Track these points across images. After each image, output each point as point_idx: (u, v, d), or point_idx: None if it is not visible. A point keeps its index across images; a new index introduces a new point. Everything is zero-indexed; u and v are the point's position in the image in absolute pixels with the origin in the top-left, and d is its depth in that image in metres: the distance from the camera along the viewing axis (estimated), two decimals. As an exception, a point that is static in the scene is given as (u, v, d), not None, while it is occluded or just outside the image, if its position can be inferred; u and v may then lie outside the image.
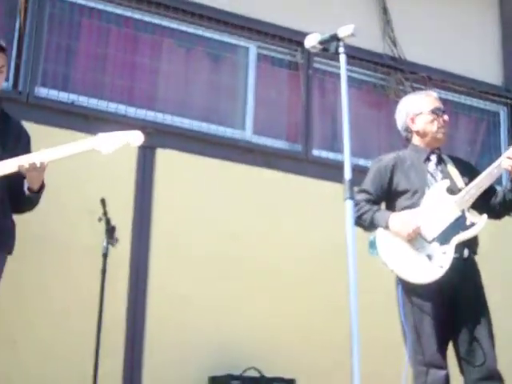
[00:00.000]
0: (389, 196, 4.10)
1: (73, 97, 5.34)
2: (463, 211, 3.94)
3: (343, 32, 3.64)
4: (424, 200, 3.98)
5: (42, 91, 5.25)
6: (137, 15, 5.70)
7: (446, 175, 4.07)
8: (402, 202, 4.04)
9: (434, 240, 3.93)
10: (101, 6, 5.58)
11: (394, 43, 6.40)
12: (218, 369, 5.04)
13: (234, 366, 5.04)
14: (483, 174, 3.92)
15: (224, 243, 5.41)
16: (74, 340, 4.73)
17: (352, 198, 3.50)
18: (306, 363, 5.24)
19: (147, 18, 5.74)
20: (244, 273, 5.38)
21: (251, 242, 5.48)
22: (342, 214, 3.46)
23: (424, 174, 4.07)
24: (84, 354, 4.55)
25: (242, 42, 6.05)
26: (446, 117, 4.14)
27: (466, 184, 3.97)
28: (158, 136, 5.15)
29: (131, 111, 5.46)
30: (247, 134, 5.91)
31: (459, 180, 4.05)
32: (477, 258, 3.98)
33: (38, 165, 3.58)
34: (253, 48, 6.07)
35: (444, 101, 4.28)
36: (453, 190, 3.98)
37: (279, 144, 6.03)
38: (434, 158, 4.12)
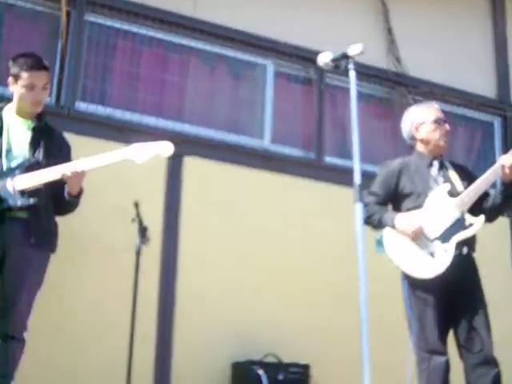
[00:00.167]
0: (395, 198, 4.09)
1: (109, 110, 5.35)
2: (462, 213, 3.93)
3: (352, 50, 3.67)
4: (427, 202, 3.97)
5: (82, 105, 5.25)
6: (166, 37, 5.69)
7: (447, 179, 4.06)
8: (407, 203, 4.03)
9: (436, 239, 3.92)
10: (134, 29, 5.58)
11: (398, 60, 6.37)
12: (239, 355, 5.04)
13: (254, 353, 5.04)
14: (480, 179, 3.92)
15: (245, 241, 5.40)
16: (110, 328, 4.73)
17: (361, 200, 3.51)
18: (319, 350, 5.22)
19: (175, 40, 5.73)
20: (264, 268, 5.36)
21: (270, 241, 5.46)
22: (351, 216, 3.48)
23: (427, 178, 4.06)
24: (119, 341, 4.53)
25: (260, 60, 6.02)
26: (447, 126, 4.14)
27: (465, 188, 3.96)
28: (186, 145, 5.13)
29: (161, 123, 5.45)
30: (265, 142, 5.88)
31: (459, 184, 4.04)
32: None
33: (79, 172, 3.60)
34: (270, 65, 6.05)
35: (443, 112, 4.23)
36: (453, 193, 3.97)
37: (294, 152, 6.00)
38: (436, 163, 4.11)
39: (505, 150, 6.45)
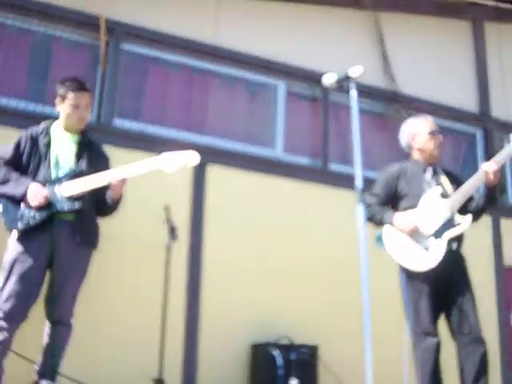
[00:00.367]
0: (394, 199, 4.07)
1: (142, 126, 5.36)
2: (452, 213, 3.94)
3: (353, 72, 3.70)
4: (421, 202, 3.97)
5: (119, 122, 5.26)
6: (190, 62, 5.69)
7: (439, 184, 4.05)
8: (404, 203, 4.03)
9: (430, 235, 3.91)
10: (163, 56, 5.60)
11: (393, 79, 6.36)
12: (258, 338, 5.04)
13: (271, 336, 5.02)
14: (467, 184, 3.94)
15: (260, 238, 5.39)
16: (144, 314, 4.73)
17: (363, 202, 3.53)
18: (326, 333, 5.20)
19: (198, 64, 5.72)
20: (279, 264, 5.35)
21: (282, 237, 5.44)
22: (354, 215, 3.50)
23: (422, 182, 4.05)
24: (152, 323, 4.56)
25: (272, 81, 6.02)
26: (440, 137, 4.16)
27: (454, 191, 3.98)
28: (208, 155, 5.12)
29: (187, 136, 5.45)
30: (278, 152, 5.87)
31: (449, 188, 4.04)
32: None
33: (122, 180, 3.64)
34: (281, 85, 6.04)
35: (435, 125, 4.24)
36: (445, 196, 3.97)
37: (303, 160, 5.98)
38: (430, 169, 4.10)
39: (486, 158, 6.47)
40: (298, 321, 5.19)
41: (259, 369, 4.90)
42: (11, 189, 3.64)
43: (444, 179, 4.08)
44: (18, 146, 3.77)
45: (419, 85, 6.47)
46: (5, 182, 3.66)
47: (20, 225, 3.58)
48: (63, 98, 3.86)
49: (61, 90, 3.88)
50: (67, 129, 3.87)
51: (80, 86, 3.89)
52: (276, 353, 4.80)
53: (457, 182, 4.08)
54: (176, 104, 5.61)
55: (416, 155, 4.15)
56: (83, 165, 3.76)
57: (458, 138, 6.87)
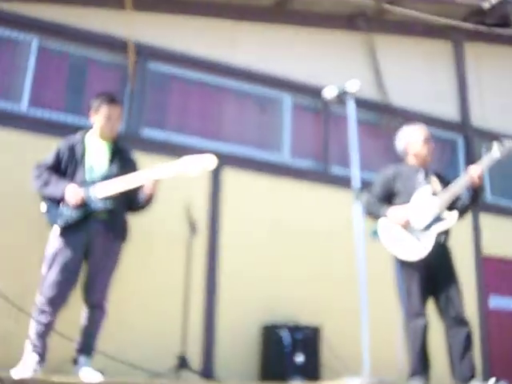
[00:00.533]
0: (390, 196, 4.06)
1: (166, 135, 5.34)
2: (441, 210, 3.94)
3: (350, 86, 3.72)
4: (413, 198, 3.97)
5: (146, 131, 5.26)
6: (208, 78, 5.68)
7: (430, 183, 4.04)
8: (398, 200, 4.02)
9: (421, 229, 3.90)
10: (185, 73, 5.59)
11: (385, 94, 6.33)
12: (267, 320, 5.01)
13: (279, 319, 5.00)
14: (455, 184, 3.93)
15: (270, 232, 5.36)
16: (169, 299, 4.69)
17: (359, 200, 3.57)
18: (327, 315, 5.16)
19: (215, 80, 5.71)
20: (286, 256, 5.32)
21: (289, 231, 5.41)
22: (351, 211, 3.54)
23: (415, 182, 4.04)
24: (175, 307, 4.56)
25: (279, 95, 6.00)
26: (432, 143, 4.15)
27: (443, 190, 3.97)
28: (224, 159, 5.07)
29: (205, 143, 5.42)
30: (285, 157, 5.84)
31: (439, 188, 4.03)
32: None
33: (155, 182, 3.64)
34: (287, 98, 6.02)
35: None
36: (434, 194, 3.97)
37: (307, 163, 5.93)
38: (422, 171, 4.08)
39: (467, 162, 6.48)
40: (302, 305, 5.15)
41: (269, 347, 4.87)
42: (52, 190, 3.65)
43: (434, 180, 4.07)
44: (57, 153, 3.78)
45: (408, 98, 6.43)
46: (47, 184, 3.68)
47: (60, 222, 3.60)
48: (97, 110, 3.87)
49: (95, 104, 3.91)
50: (101, 137, 3.87)
51: (111, 99, 3.91)
52: (283, 333, 4.79)
53: (445, 182, 4.06)
54: (195, 115, 5.60)
55: (411, 159, 4.13)
56: (115, 169, 3.76)
57: (441, 144, 6.81)
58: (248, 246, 5.21)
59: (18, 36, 5.00)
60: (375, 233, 4.00)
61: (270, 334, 4.89)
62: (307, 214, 5.52)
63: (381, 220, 3.98)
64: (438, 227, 3.88)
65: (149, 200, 3.78)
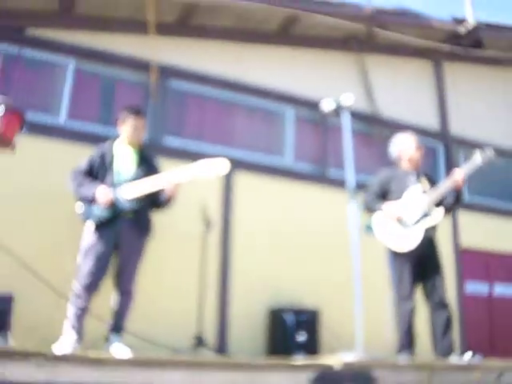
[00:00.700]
0: (385, 194, 4.06)
1: (184, 143, 5.33)
2: (429, 207, 3.93)
3: (345, 100, 3.75)
4: (404, 195, 3.97)
5: (167, 139, 5.26)
6: (221, 94, 5.67)
7: (420, 183, 4.04)
8: (392, 198, 4.01)
9: (411, 223, 3.90)
10: (200, 89, 5.58)
11: (375, 106, 6.31)
12: (273, 305, 5.01)
13: (283, 303, 5.00)
14: (441, 185, 3.93)
15: (275, 226, 5.33)
16: (187, 286, 4.68)
17: (355, 199, 3.56)
18: (325, 301, 5.12)
19: (227, 95, 5.70)
20: (289, 249, 5.30)
21: (292, 226, 5.39)
22: (347, 209, 3.52)
23: (407, 182, 4.04)
24: (193, 294, 4.56)
25: (283, 108, 5.98)
26: (423, 149, 4.16)
27: (431, 190, 3.98)
28: (236, 164, 5.05)
29: (219, 149, 5.40)
30: (288, 161, 5.82)
31: (427, 187, 4.02)
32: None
33: (177, 185, 3.63)
34: (290, 111, 6.00)
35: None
36: (424, 193, 3.96)
37: (308, 167, 5.90)
38: (414, 173, 4.09)
39: (447, 167, 6.45)
40: (304, 292, 5.13)
41: (275, 328, 4.86)
42: (85, 191, 3.66)
43: (424, 180, 4.07)
44: (90, 159, 3.80)
45: (395, 110, 6.40)
46: (81, 185, 3.69)
47: (93, 219, 3.60)
48: (124, 121, 3.88)
49: (122, 115, 3.92)
50: (128, 145, 3.87)
51: (137, 112, 3.92)
52: (287, 316, 4.78)
53: (433, 183, 4.08)
54: (210, 126, 5.59)
55: (404, 164, 4.12)
56: (140, 172, 3.76)
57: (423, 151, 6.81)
58: (257, 240, 5.20)
59: (58, 59, 5.02)
60: (368, 228, 4.00)
61: (275, 316, 4.88)
62: (308, 211, 5.50)
63: (376, 215, 3.98)
64: (427, 222, 3.87)
65: (170, 201, 3.77)
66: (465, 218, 6.32)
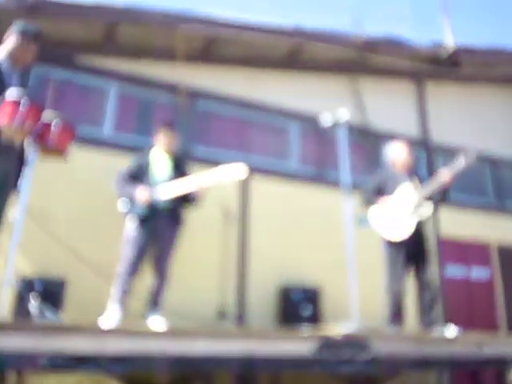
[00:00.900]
0: (381, 191, 4.02)
1: (209, 151, 5.33)
2: (420, 202, 3.88)
3: (341, 115, 3.70)
4: (397, 191, 3.94)
5: (195, 148, 5.26)
6: (238, 112, 5.65)
7: (412, 182, 4.00)
8: (387, 194, 3.98)
9: (404, 216, 3.85)
10: (222, 108, 5.57)
11: (366, 120, 6.26)
12: (283, 284, 4.98)
13: (291, 282, 4.98)
14: (430, 184, 3.86)
15: (284, 219, 5.30)
16: (211, 267, 4.71)
17: (348, 196, 3.55)
18: (325, 280, 5.09)
19: (244, 113, 5.68)
20: (298, 236, 5.27)
21: (297, 219, 5.36)
22: (342, 206, 3.40)
23: (400, 182, 4.00)
24: (217, 274, 4.54)
25: (290, 123, 5.94)
26: (413, 155, 4.13)
27: (421, 188, 3.94)
28: (251, 168, 5.01)
29: (238, 156, 5.38)
30: (294, 165, 5.78)
31: (418, 186, 3.97)
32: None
33: (205, 188, 3.64)
34: (295, 125, 5.97)
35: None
36: (415, 190, 3.92)
37: (311, 170, 5.85)
38: (405, 175, 4.04)
39: (428, 171, 6.35)
40: (309, 273, 5.11)
41: (284, 303, 4.85)
42: (128, 191, 3.68)
43: (415, 180, 4.03)
44: (132, 165, 3.82)
45: (383, 122, 6.33)
46: (124, 187, 3.71)
47: (134, 215, 3.62)
48: (160, 133, 3.90)
49: (158, 129, 3.93)
50: (163, 152, 3.88)
51: (170, 126, 3.93)
52: (295, 293, 4.79)
53: (422, 183, 4.02)
54: (230, 138, 5.57)
55: (398, 167, 4.08)
56: (173, 175, 3.77)
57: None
58: (268, 229, 5.17)
59: (103, 83, 5.07)
60: (361, 221, 3.96)
61: (284, 293, 4.87)
62: (310, 206, 5.45)
63: (373, 208, 3.95)
64: (418, 215, 3.83)
65: (198, 199, 3.78)
66: (444, 212, 6.25)
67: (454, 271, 6.22)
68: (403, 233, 3.78)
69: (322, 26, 5.86)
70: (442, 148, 6.69)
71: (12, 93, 2.55)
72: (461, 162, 3.84)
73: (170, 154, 3.89)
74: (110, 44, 5.05)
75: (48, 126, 2.64)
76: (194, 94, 5.38)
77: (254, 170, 5.29)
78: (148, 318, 3.54)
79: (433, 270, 3.95)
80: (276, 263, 5.06)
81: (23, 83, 2.77)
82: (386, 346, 2.96)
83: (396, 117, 6.53)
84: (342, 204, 3.66)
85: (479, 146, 6.73)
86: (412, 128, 6.65)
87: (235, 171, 3.49)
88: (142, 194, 3.60)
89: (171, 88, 5.27)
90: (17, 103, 2.50)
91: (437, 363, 3.14)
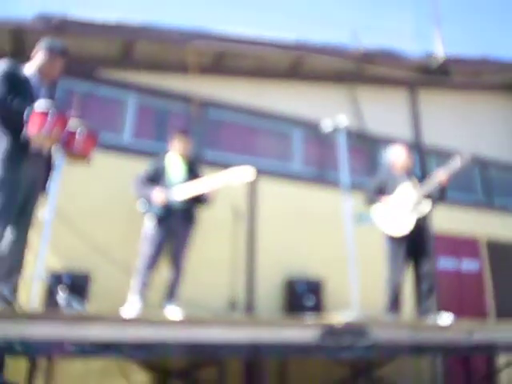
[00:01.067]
0: (382, 191, 3.99)
1: (220, 155, 5.32)
2: (419, 200, 3.84)
3: (340, 121, 3.67)
4: (397, 190, 3.92)
5: (206, 153, 5.26)
6: (246, 119, 5.64)
7: (411, 181, 3.97)
8: (388, 193, 3.96)
9: (405, 213, 3.82)
10: (231, 117, 5.56)
11: (363, 125, 6.22)
12: (288, 277, 4.95)
13: (296, 275, 4.95)
14: (428, 183, 3.83)
15: (288, 217, 5.26)
16: (223, 261, 4.69)
17: (347, 196, 3.51)
18: (327, 273, 5.06)
19: (251, 120, 5.67)
20: (302, 232, 5.24)
21: (301, 216, 5.32)
22: (342, 205, 3.39)
23: (400, 181, 3.97)
24: (227, 268, 4.53)
25: (293, 129, 5.92)
26: (412, 157, 4.10)
27: (420, 187, 3.90)
28: (258, 170, 4.95)
29: (245, 159, 5.35)
30: (297, 167, 5.76)
31: (416, 185, 3.94)
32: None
33: (215, 190, 3.64)
34: (298, 131, 5.94)
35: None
36: (414, 188, 3.90)
37: (313, 171, 5.83)
38: (405, 175, 4.01)
39: (421, 173, 6.26)
40: (312, 266, 5.08)
41: (289, 295, 4.83)
42: (145, 192, 3.69)
43: (414, 179, 3.99)
44: (149, 168, 3.83)
45: (379, 128, 6.28)
46: (142, 189, 3.73)
47: (152, 214, 3.62)
48: (174, 138, 3.90)
49: (173, 135, 3.94)
50: (178, 156, 3.89)
51: (184, 133, 3.94)
52: (299, 285, 4.76)
53: (421, 181, 3.99)
54: (239, 143, 5.56)
55: (397, 169, 4.04)
56: (187, 177, 3.77)
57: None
58: (275, 226, 5.15)
59: (122, 94, 5.08)
60: (360, 218, 3.94)
61: (290, 286, 4.85)
62: (312, 204, 5.43)
63: (375, 206, 3.92)
64: (417, 212, 3.80)
65: (210, 200, 3.79)
66: (437, 209, 6.20)
67: (446, 264, 6.17)
68: (404, 229, 3.76)
69: (323, 40, 5.90)
70: (434, 151, 6.64)
71: (41, 104, 2.58)
72: (456, 163, 3.81)
73: (184, 158, 3.90)
74: (128, 59, 5.07)
75: (73, 133, 2.67)
76: (206, 104, 5.39)
77: (261, 172, 5.27)
78: (165, 308, 3.55)
79: (432, 262, 3.93)
80: (281, 258, 5.04)
81: (51, 95, 2.80)
82: (384, 333, 2.94)
83: (391, 122, 6.49)
84: (342, 203, 3.63)
85: (469, 149, 6.69)
86: (406, 133, 6.60)
87: (243, 173, 3.49)
88: (158, 195, 3.61)
89: (185, 98, 5.28)
90: (45, 114, 2.54)
91: (431, 349, 3.11)
